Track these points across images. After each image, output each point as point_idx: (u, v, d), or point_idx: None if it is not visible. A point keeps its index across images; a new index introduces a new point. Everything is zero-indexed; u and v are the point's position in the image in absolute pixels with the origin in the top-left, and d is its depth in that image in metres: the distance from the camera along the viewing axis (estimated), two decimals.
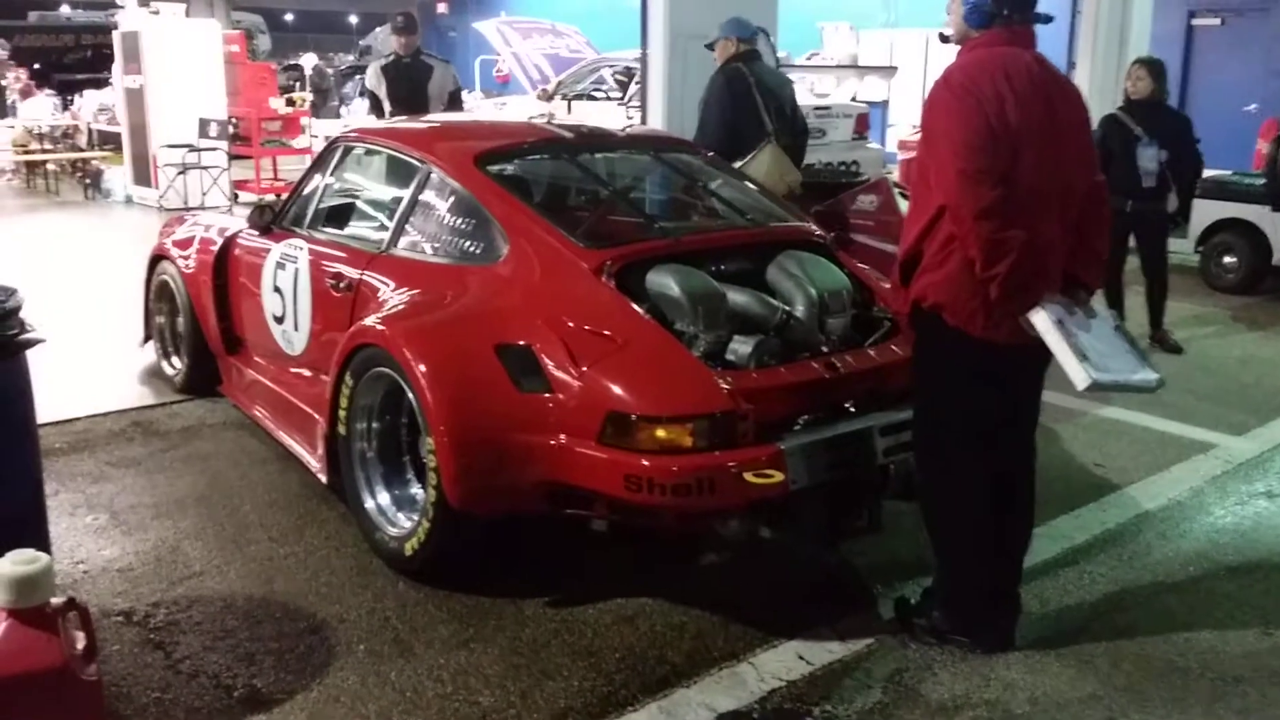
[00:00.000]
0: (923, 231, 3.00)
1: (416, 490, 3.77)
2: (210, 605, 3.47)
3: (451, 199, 4.09)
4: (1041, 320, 2.86)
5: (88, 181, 13.72)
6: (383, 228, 4.38)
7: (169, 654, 3.18)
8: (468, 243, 3.96)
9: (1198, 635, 3.37)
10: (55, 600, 2.43)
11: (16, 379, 2.83)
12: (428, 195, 4.18)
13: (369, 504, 3.80)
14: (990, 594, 3.25)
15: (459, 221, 4.03)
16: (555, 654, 3.21)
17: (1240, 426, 5.35)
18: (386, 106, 7.60)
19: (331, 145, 4.92)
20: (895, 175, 11.29)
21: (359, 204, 4.81)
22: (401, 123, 5.32)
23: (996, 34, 2.97)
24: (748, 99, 6.06)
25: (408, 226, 4.17)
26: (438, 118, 6.61)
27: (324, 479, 4.03)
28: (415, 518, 3.64)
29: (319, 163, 4.92)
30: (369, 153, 4.75)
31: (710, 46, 6.46)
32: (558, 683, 3.07)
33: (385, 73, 7.63)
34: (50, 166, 14.50)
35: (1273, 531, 4.14)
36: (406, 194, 4.24)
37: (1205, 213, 8.71)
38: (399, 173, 4.46)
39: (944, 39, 3.16)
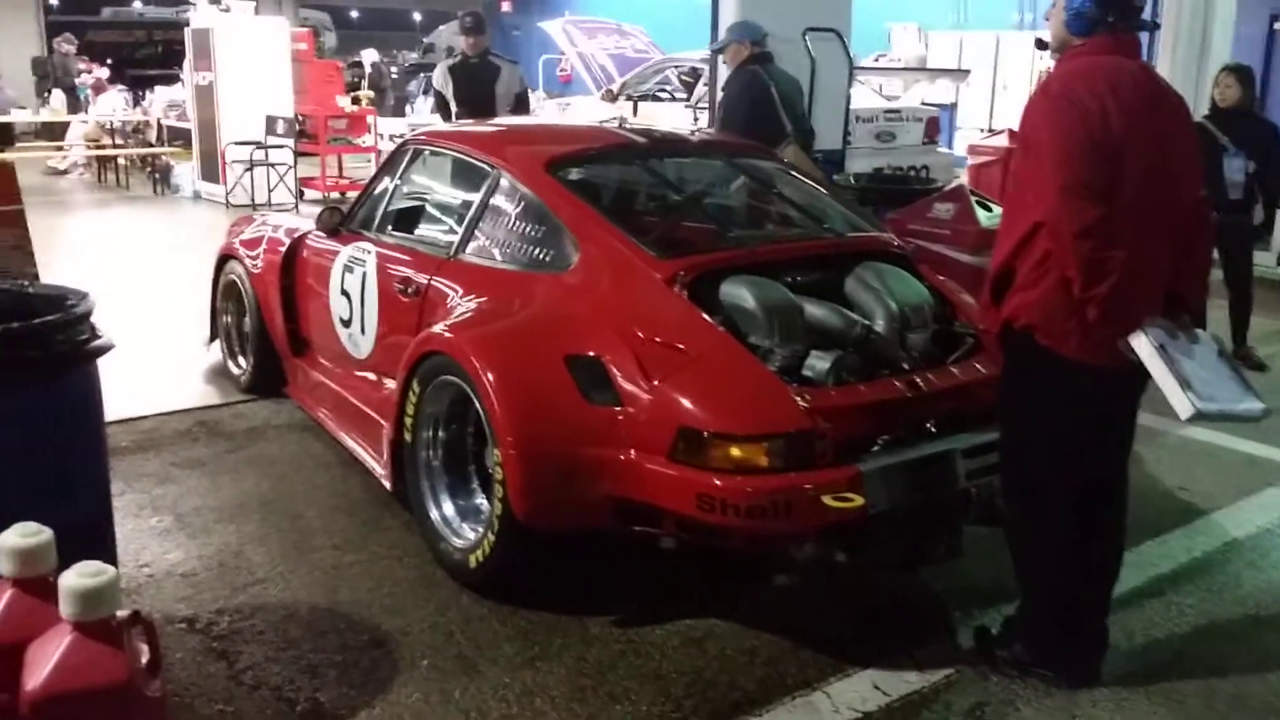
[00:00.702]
0: (1016, 247, 2.87)
1: (481, 501, 3.71)
2: (273, 614, 3.43)
3: (521, 205, 4.02)
4: (1143, 345, 2.71)
5: (157, 177, 13.90)
6: (451, 232, 4.32)
7: (232, 664, 3.14)
8: (537, 250, 3.89)
9: None
10: (121, 613, 2.38)
11: (87, 386, 2.80)
12: (498, 200, 4.11)
13: (433, 514, 3.74)
14: (1077, 625, 3.11)
15: (529, 228, 3.95)
16: (622, 676, 3.12)
17: None
18: (453, 107, 7.58)
19: (401, 148, 4.88)
20: (963, 179, 11.09)
21: (428, 208, 4.76)
22: (471, 126, 5.27)
23: (1100, 41, 2.81)
24: (767, 102, 6.15)
25: (477, 232, 4.11)
26: (508, 121, 6.57)
27: (389, 486, 3.98)
28: (480, 529, 3.57)
29: (388, 165, 4.89)
30: (438, 156, 4.70)
31: (719, 51, 6.49)
32: (625, 707, 2.98)
33: (452, 73, 7.60)
34: (120, 161, 14.72)
35: None
36: (476, 199, 4.18)
37: None
38: (468, 177, 4.40)
39: (1041, 45, 3.01)
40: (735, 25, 6.49)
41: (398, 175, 4.76)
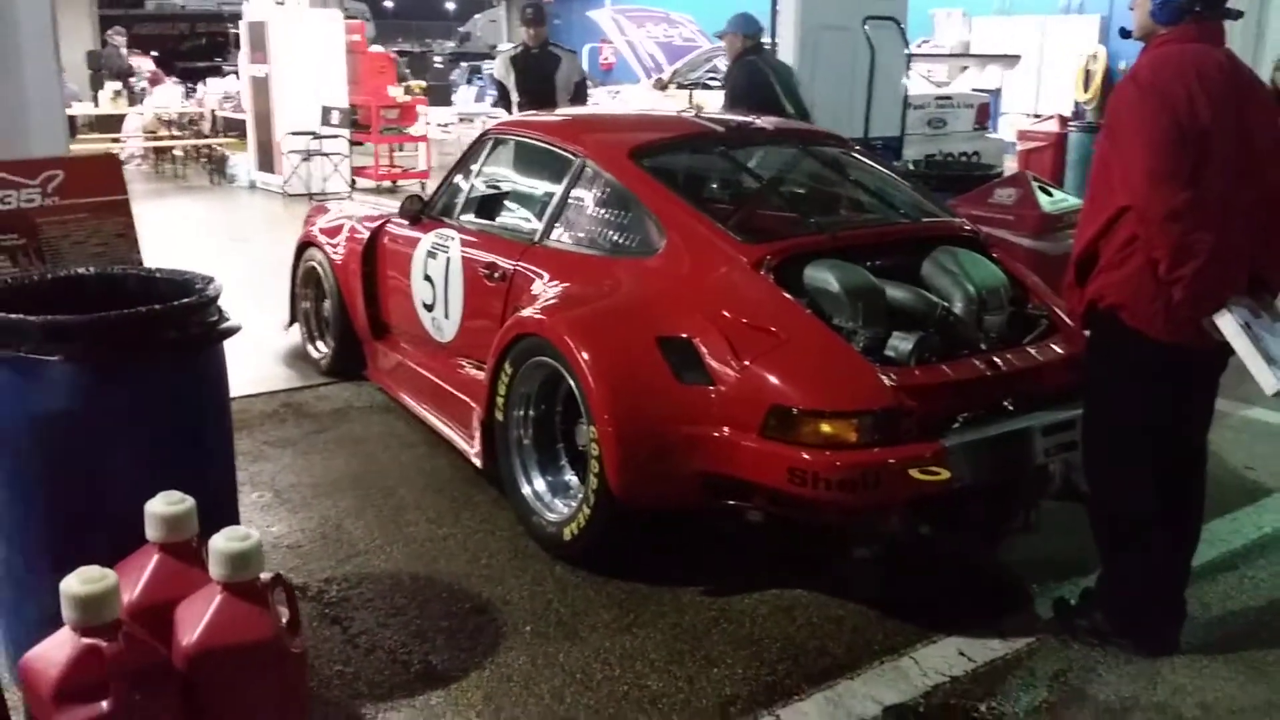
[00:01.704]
0: (1100, 231, 2.97)
1: (570, 477, 3.86)
2: (379, 583, 3.60)
3: (606, 192, 4.16)
4: (1228, 323, 2.81)
5: (213, 167, 14.17)
6: (535, 219, 4.47)
7: (346, 629, 3.32)
8: (622, 235, 4.03)
9: None
10: (264, 575, 2.55)
11: (217, 366, 2.98)
12: (581, 188, 4.25)
13: (525, 489, 3.89)
14: (1156, 597, 3.22)
15: (614, 215, 4.09)
16: (717, 642, 3.27)
17: None
18: (514, 97, 7.73)
19: (481, 137, 5.03)
20: (1012, 164, 11.13)
21: (510, 195, 4.90)
22: (552, 116, 5.42)
23: (1186, 29, 2.90)
24: (769, 89, 6.64)
25: (561, 219, 4.25)
26: (586, 110, 6.75)
27: (480, 464, 4.13)
28: (571, 504, 3.73)
29: (469, 155, 5.03)
30: (519, 145, 4.85)
31: (721, 36, 7.07)
32: (722, 670, 3.13)
33: (514, 64, 7.76)
34: (177, 152, 14.99)
35: None
36: (559, 187, 4.32)
37: None
38: (551, 165, 4.53)
39: (1125, 34, 3.11)
40: (734, 18, 6.94)
41: (479, 164, 4.91)
